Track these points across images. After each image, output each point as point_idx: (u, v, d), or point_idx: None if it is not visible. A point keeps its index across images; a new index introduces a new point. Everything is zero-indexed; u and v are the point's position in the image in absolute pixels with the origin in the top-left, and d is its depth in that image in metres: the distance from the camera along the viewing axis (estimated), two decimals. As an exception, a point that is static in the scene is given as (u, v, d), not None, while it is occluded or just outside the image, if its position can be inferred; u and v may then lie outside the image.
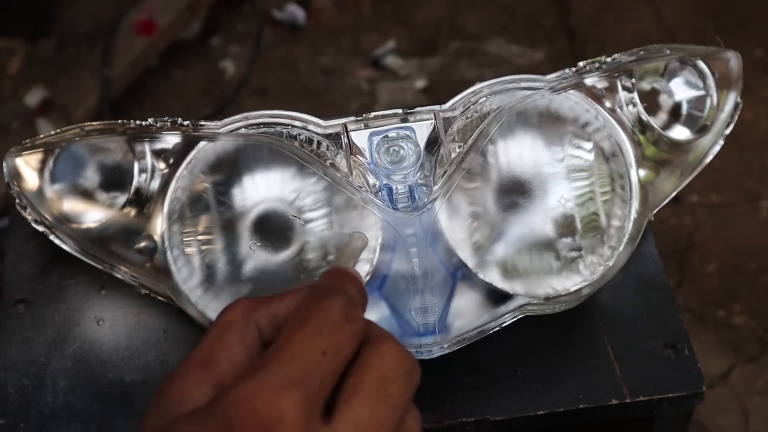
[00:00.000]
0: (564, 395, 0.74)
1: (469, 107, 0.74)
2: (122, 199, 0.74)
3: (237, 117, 0.74)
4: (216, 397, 0.48)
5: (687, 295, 1.71)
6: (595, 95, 0.76)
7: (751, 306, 1.71)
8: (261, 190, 0.73)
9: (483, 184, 0.74)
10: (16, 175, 0.74)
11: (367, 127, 0.73)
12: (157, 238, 0.73)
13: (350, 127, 0.73)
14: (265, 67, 2.12)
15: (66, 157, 0.74)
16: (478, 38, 2.16)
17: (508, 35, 2.16)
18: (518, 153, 0.75)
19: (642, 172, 0.76)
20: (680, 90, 0.79)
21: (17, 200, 0.75)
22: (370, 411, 0.49)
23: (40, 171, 0.74)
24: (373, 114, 0.74)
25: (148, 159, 0.73)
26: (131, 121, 0.74)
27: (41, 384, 0.76)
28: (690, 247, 1.79)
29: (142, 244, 0.74)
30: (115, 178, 0.74)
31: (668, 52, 0.78)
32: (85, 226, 0.74)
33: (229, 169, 0.73)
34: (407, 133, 0.73)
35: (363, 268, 0.72)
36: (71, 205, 0.74)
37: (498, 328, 0.75)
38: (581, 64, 0.77)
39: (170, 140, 0.73)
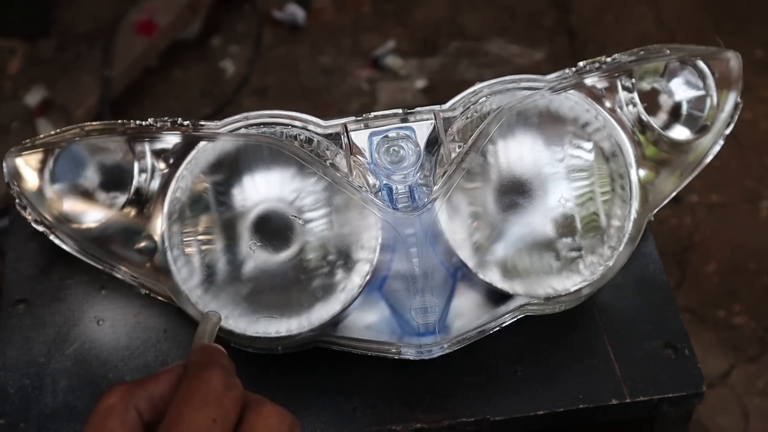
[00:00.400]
0: (564, 395, 0.74)
1: (469, 107, 0.74)
2: (122, 199, 0.74)
3: (237, 117, 0.74)
4: None
5: (687, 295, 1.71)
6: (595, 95, 0.76)
7: (751, 306, 1.71)
8: (261, 190, 0.73)
9: (483, 184, 0.74)
10: (16, 175, 0.74)
11: (367, 127, 0.73)
12: (157, 238, 0.73)
13: (350, 127, 0.73)
14: (265, 67, 2.12)
15: (66, 157, 0.74)
16: (478, 38, 2.16)
17: (508, 35, 2.16)
18: (518, 153, 0.75)
19: (642, 172, 0.76)
20: (680, 90, 0.79)
21: (17, 200, 0.75)
22: None
23: (40, 171, 0.74)
24: (373, 114, 0.74)
25: (148, 159, 0.73)
26: (131, 121, 0.74)
27: (41, 384, 0.76)
28: (690, 247, 1.79)
29: (142, 244, 0.74)
30: (115, 178, 0.74)
31: (668, 52, 0.78)
32: (85, 226, 0.74)
33: (229, 169, 0.73)
34: (407, 133, 0.73)
35: (363, 268, 0.72)
36: (71, 205, 0.74)
37: (498, 328, 0.75)
38: (581, 64, 0.77)
39: (170, 140, 0.73)
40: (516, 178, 0.75)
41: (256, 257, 0.73)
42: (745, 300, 1.72)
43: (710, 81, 0.78)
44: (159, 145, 0.73)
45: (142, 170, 0.73)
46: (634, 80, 0.76)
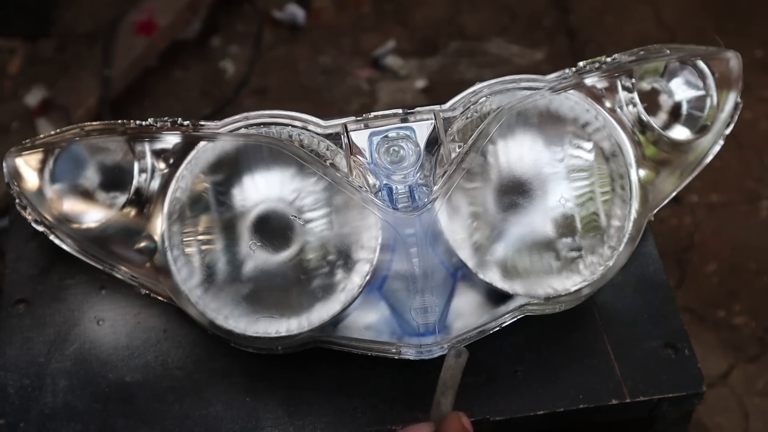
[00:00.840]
0: (564, 395, 0.74)
1: (469, 107, 0.74)
2: (122, 199, 0.74)
3: (237, 117, 0.74)
4: None
5: (687, 295, 1.71)
6: (595, 95, 0.76)
7: (751, 306, 1.71)
8: (261, 190, 0.73)
9: (483, 184, 0.74)
10: (16, 175, 0.74)
11: (367, 127, 0.73)
12: (157, 238, 0.73)
13: (350, 127, 0.73)
14: (265, 67, 2.12)
15: (66, 157, 0.74)
16: (478, 38, 2.16)
17: (508, 35, 2.16)
18: (518, 153, 0.75)
19: (642, 172, 0.76)
20: (680, 90, 0.79)
21: (17, 200, 0.75)
22: None
23: (40, 171, 0.74)
24: (373, 114, 0.74)
25: (148, 159, 0.73)
26: (131, 121, 0.74)
27: (41, 384, 0.76)
28: (690, 247, 1.79)
29: (142, 244, 0.74)
30: (115, 178, 0.74)
31: (668, 52, 0.78)
32: (85, 226, 0.74)
33: (229, 169, 0.73)
34: (407, 133, 0.73)
35: (363, 268, 0.72)
36: (71, 205, 0.74)
37: (498, 328, 0.75)
38: (581, 64, 0.77)
39: (170, 140, 0.73)
40: (516, 178, 0.75)
41: (256, 257, 0.73)
42: (745, 300, 1.72)
43: (710, 81, 0.78)
44: (159, 145, 0.73)
45: (142, 170, 0.73)
46: (634, 80, 0.76)
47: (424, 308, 0.72)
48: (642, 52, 0.78)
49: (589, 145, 0.75)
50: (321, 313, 0.72)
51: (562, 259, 0.74)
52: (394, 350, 0.73)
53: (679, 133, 0.79)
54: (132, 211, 0.74)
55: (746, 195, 1.87)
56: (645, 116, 0.77)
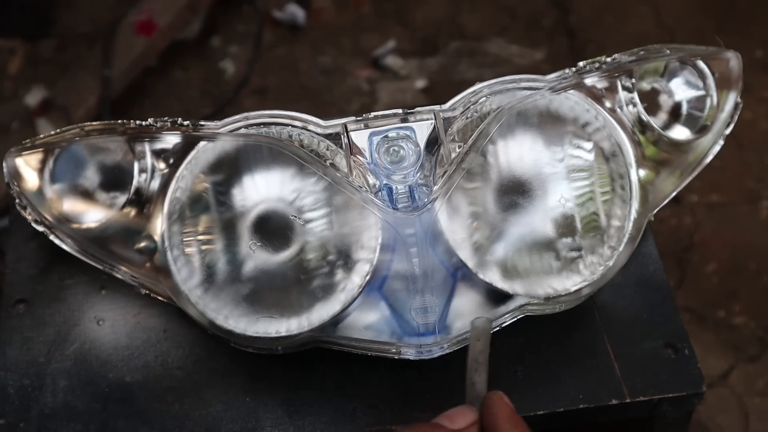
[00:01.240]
0: (564, 395, 0.74)
1: (469, 107, 0.74)
2: (122, 199, 0.74)
3: (237, 117, 0.74)
4: None
5: (687, 295, 1.71)
6: (595, 95, 0.76)
7: (751, 306, 1.71)
8: (261, 190, 0.73)
9: (483, 184, 0.74)
10: (16, 175, 0.74)
11: (367, 127, 0.73)
12: (157, 238, 0.73)
13: (350, 127, 0.73)
14: (265, 67, 2.12)
15: (66, 157, 0.74)
16: (478, 38, 2.16)
17: (508, 35, 2.16)
18: (518, 153, 0.75)
19: (642, 172, 0.76)
20: (680, 90, 0.79)
21: (17, 200, 0.75)
22: None
23: (40, 171, 0.74)
24: (373, 114, 0.74)
25: (148, 159, 0.73)
26: (131, 121, 0.74)
27: (41, 384, 0.76)
28: (690, 247, 1.79)
29: (142, 244, 0.74)
30: (115, 178, 0.74)
31: (668, 52, 0.78)
32: (85, 226, 0.74)
33: (229, 169, 0.73)
34: (407, 133, 0.73)
35: (363, 268, 0.72)
36: (71, 205, 0.74)
37: (498, 328, 0.74)
38: (581, 64, 0.77)
39: (170, 140, 0.73)
40: (516, 178, 0.75)
41: (256, 257, 0.73)
42: (745, 300, 1.72)
43: (710, 81, 0.78)
44: (159, 145, 0.73)
45: (142, 170, 0.73)
46: (634, 80, 0.76)
47: (424, 308, 0.72)
48: (642, 52, 0.78)
49: (589, 145, 0.75)
50: (321, 313, 0.72)
51: (562, 259, 0.74)
52: (394, 350, 0.73)
53: (679, 133, 0.79)
54: (132, 211, 0.74)
55: (746, 195, 1.87)
56: (645, 116, 0.77)
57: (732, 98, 0.79)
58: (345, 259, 0.72)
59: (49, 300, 0.80)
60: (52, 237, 0.76)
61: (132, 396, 0.75)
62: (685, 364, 0.76)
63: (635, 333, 0.78)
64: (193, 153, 0.73)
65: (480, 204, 0.74)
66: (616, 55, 0.77)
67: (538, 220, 0.74)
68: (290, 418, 0.74)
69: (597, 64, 0.77)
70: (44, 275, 0.82)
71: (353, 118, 0.74)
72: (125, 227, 0.74)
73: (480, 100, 0.74)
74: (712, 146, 0.79)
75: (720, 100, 0.78)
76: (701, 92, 0.78)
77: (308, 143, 0.74)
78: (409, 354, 0.73)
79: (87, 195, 0.74)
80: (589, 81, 0.76)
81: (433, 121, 0.73)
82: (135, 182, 0.73)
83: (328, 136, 0.74)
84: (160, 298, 0.76)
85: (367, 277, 0.72)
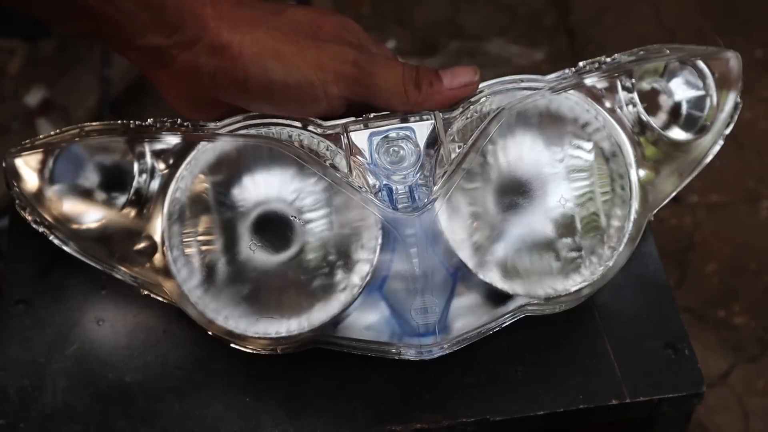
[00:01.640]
0: (564, 395, 0.74)
1: (468, 107, 0.74)
2: (122, 199, 0.74)
3: (237, 117, 0.74)
4: None
5: (687, 295, 1.71)
6: (595, 95, 0.76)
7: (751, 306, 1.71)
8: (261, 190, 0.73)
9: (483, 184, 0.74)
10: (16, 175, 0.74)
11: (367, 127, 0.73)
12: (157, 238, 0.73)
13: (350, 127, 0.73)
14: (265, 67, 2.11)
15: (66, 158, 0.74)
16: (478, 38, 2.16)
17: (508, 35, 2.16)
18: (518, 153, 0.75)
19: (642, 172, 0.76)
20: (680, 90, 0.79)
21: (17, 201, 0.75)
22: None
23: (40, 171, 0.74)
24: (373, 114, 0.74)
25: (148, 159, 0.73)
26: (131, 121, 0.74)
27: (41, 384, 0.76)
28: (690, 247, 1.79)
29: (142, 245, 0.74)
30: (115, 179, 0.74)
31: (668, 52, 0.78)
32: (85, 226, 0.74)
33: (229, 170, 0.73)
34: (407, 133, 0.73)
35: (363, 269, 0.72)
36: (71, 206, 0.74)
37: (498, 329, 0.75)
38: (581, 64, 0.77)
39: (170, 141, 0.73)
40: (516, 179, 0.75)
41: (256, 257, 0.73)
42: (745, 300, 1.72)
43: (710, 81, 0.78)
44: (159, 146, 0.73)
45: (142, 171, 0.73)
46: (634, 80, 0.76)
47: (424, 309, 0.72)
48: (642, 52, 0.78)
49: (589, 145, 0.75)
50: (321, 313, 0.72)
51: (562, 260, 0.74)
52: (394, 351, 0.73)
53: (679, 133, 0.79)
54: (132, 212, 0.74)
55: (746, 195, 1.87)
56: (645, 116, 0.77)
57: (732, 98, 0.79)
58: (345, 259, 0.72)
59: (49, 300, 0.80)
60: (52, 237, 0.76)
61: (132, 396, 0.75)
62: (685, 364, 0.76)
63: (635, 333, 0.78)
64: (193, 153, 0.73)
65: (480, 204, 0.74)
66: (616, 55, 0.77)
67: (538, 220, 0.74)
68: (290, 419, 0.74)
69: (597, 64, 0.77)
70: (44, 275, 0.82)
71: (353, 118, 0.74)
72: (125, 228, 0.74)
73: (480, 100, 0.74)
74: (711, 146, 0.79)
75: (720, 100, 0.78)
76: (701, 92, 0.78)
77: (308, 143, 0.74)
78: (409, 354, 0.73)
79: (87, 195, 0.74)
80: (589, 81, 0.76)
81: (433, 121, 0.73)
82: (135, 183, 0.73)
83: (328, 137, 0.74)
84: (160, 298, 0.76)
85: (367, 278, 0.72)
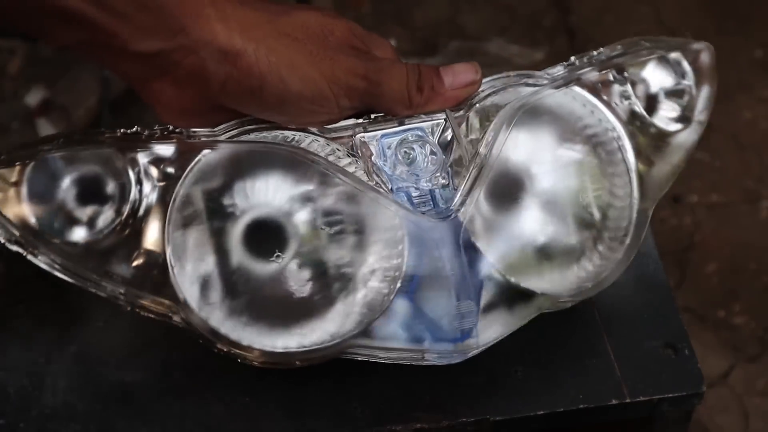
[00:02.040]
0: (564, 395, 0.74)
1: (471, 106, 0.74)
2: (111, 213, 0.68)
3: (232, 123, 0.70)
4: None
5: (687, 295, 1.71)
6: (591, 89, 0.76)
7: (751, 306, 1.71)
8: (261, 198, 0.69)
9: (492, 183, 0.73)
10: None
11: (376, 129, 0.71)
12: (155, 251, 0.68)
13: (360, 130, 0.71)
14: (265, 67, 2.11)
15: (44, 171, 0.67)
16: (478, 38, 2.16)
17: (508, 35, 2.16)
18: (518, 152, 0.74)
19: (640, 165, 0.76)
20: (661, 82, 0.78)
21: None
22: None
23: (16, 186, 0.67)
24: (373, 116, 0.72)
25: (141, 170, 0.68)
26: (117, 130, 0.69)
27: (41, 384, 0.76)
28: (690, 247, 1.79)
29: (140, 261, 0.68)
30: (100, 192, 0.68)
31: (647, 45, 0.78)
32: (69, 242, 0.68)
33: (226, 178, 0.69)
34: (420, 134, 0.71)
35: (391, 275, 0.70)
36: (52, 221, 0.67)
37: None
38: (573, 59, 0.77)
39: (162, 149, 0.68)
40: (516, 177, 0.74)
41: (258, 267, 0.70)
42: (745, 300, 1.72)
43: (688, 72, 0.78)
44: (151, 155, 0.68)
45: (136, 182, 0.68)
46: (626, 74, 0.76)
47: (460, 314, 0.70)
48: (619, 47, 0.77)
49: (585, 141, 0.75)
50: (348, 322, 0.69)
51: (570, 257, 0.74)
52: (419, 357, 0.71)
53: (665, 124, 0.78)
54: (123, 226, 0.68)
55: (746, 195, 1.87)
56: (639, 109, 0.76)
57: (705, 89, 0.78)
58: (372, 267, 0.70)
59: (49, 300, 0.80)
60: (30, 257, 0.68)
61: (132, 396, 0.75)
62: (685, 364, 0.76)
63: (635, 333, 0.78)
64: (190, 162, 0.68)
65: (500, 205, 0.73)
66: (602, 49, 0.77)
67: (539, 219, 0.74)
68: (290, 419, 0.74)
69: (586, 59, 0.77)
70: (44, 275, 0.81)
71: (362, 120, 0.71)
72: (117, 243, 0.68)
73: (483, 98, 0.74)
74: (694, 137, 0.79)
75: (696, 92, 0.78)
76: (680, 84, 0.78)
77: (316, 148, 0.70)
78: (434, 360, 0.71)
79: (69, 210, 0.67)
80: (586, 75, 0.75)
81: (441, 121, 0.72)
82: (129, 194, 0.68)
83: (335, 140, 0.71)
84: (152, 316, 0.70)
85: (398, 284, 0.69)
